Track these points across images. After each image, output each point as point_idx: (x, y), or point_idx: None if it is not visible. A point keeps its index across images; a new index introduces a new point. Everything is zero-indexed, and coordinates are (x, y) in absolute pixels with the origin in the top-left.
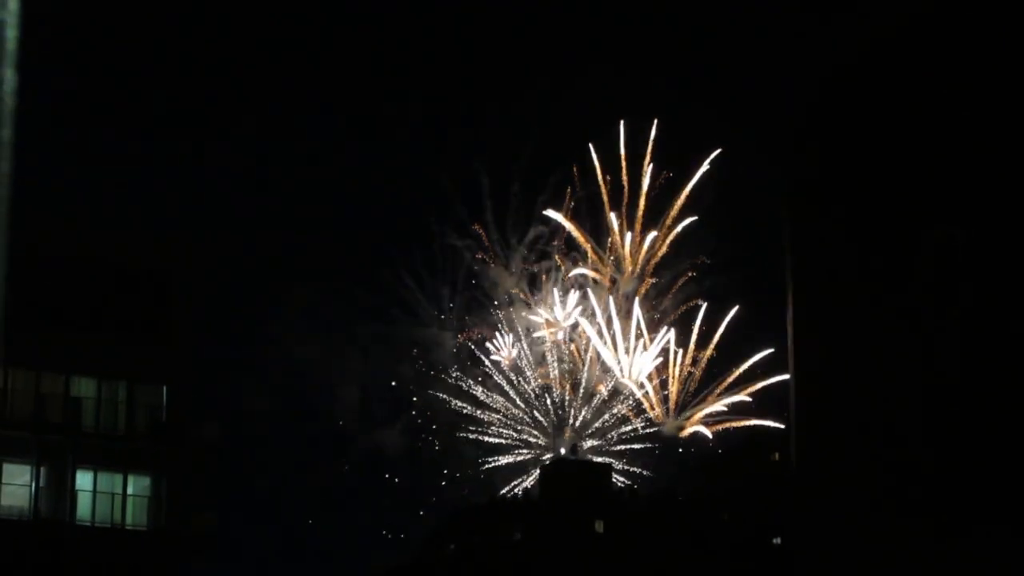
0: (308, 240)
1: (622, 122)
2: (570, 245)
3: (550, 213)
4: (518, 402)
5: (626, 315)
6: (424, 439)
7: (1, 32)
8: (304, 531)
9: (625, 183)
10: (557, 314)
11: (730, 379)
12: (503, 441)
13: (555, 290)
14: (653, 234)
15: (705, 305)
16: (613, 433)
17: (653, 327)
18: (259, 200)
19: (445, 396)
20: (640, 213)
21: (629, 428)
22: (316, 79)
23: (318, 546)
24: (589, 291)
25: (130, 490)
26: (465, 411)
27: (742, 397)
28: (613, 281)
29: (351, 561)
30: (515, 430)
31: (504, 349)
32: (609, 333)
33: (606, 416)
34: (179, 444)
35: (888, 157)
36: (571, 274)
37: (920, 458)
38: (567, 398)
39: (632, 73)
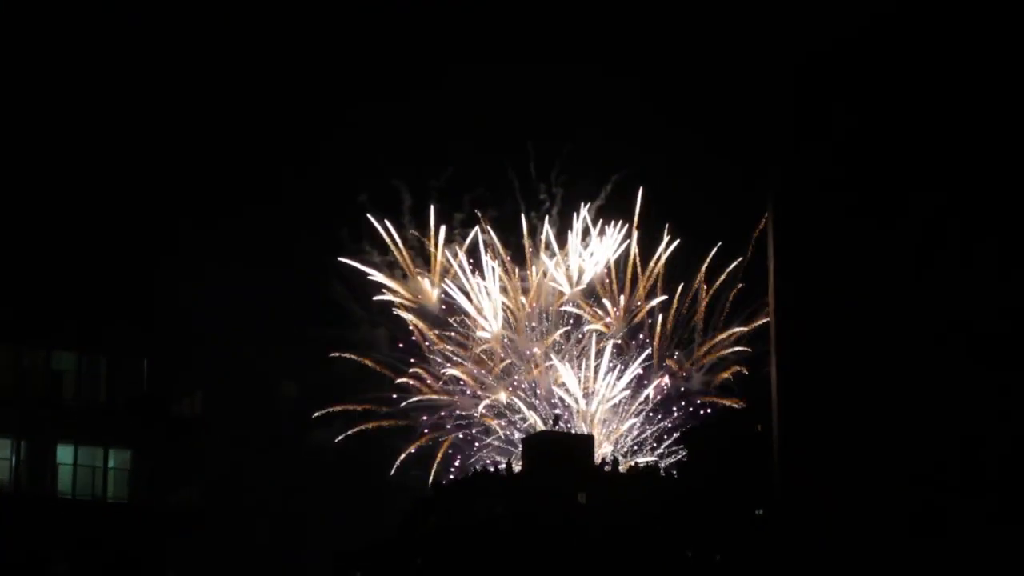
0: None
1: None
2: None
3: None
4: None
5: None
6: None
7: None
8: (285, 506)
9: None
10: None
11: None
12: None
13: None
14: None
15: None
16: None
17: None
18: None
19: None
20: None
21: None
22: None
23: (300, 522)
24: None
25: (111, 464)
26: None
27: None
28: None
29: (333, 537)
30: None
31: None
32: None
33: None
34: (160, 418)
35: (873, 125)
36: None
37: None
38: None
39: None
